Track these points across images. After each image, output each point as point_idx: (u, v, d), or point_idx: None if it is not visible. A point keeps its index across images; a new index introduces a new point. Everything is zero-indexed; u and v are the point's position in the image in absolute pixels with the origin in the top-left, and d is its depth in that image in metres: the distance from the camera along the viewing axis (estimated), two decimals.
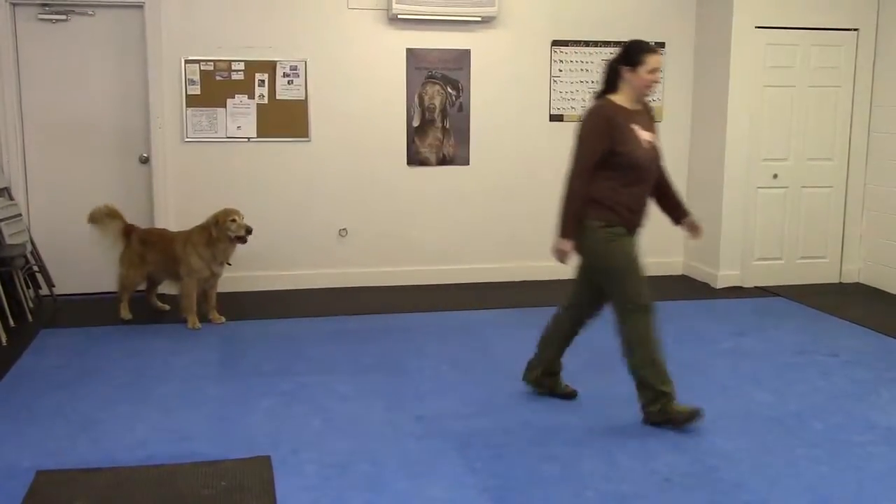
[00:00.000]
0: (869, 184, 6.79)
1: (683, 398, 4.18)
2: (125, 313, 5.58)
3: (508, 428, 3.81)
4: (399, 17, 6.28)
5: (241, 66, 6.20)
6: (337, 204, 6.52)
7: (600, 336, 5.29)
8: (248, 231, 5.39)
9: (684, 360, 4.80)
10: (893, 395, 4.29)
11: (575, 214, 3.75)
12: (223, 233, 5.34)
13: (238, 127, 6.27)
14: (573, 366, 4.70)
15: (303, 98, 6.33)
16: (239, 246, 5.49)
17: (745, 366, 4.74)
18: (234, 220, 5.37)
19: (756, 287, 6.71)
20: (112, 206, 5.64)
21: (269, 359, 4.81)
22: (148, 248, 5.53)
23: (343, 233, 6.59)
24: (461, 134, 6.65)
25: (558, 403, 4.13)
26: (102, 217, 5.58)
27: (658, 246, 7.15)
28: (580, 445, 3.63)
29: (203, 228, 5.42)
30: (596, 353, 4.96)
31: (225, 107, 6.22)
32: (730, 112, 6.49)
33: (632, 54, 3.73)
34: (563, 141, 6.82)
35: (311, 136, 6.41)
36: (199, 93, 6.17)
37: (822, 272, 6.91)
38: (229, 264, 5.55)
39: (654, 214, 7.60)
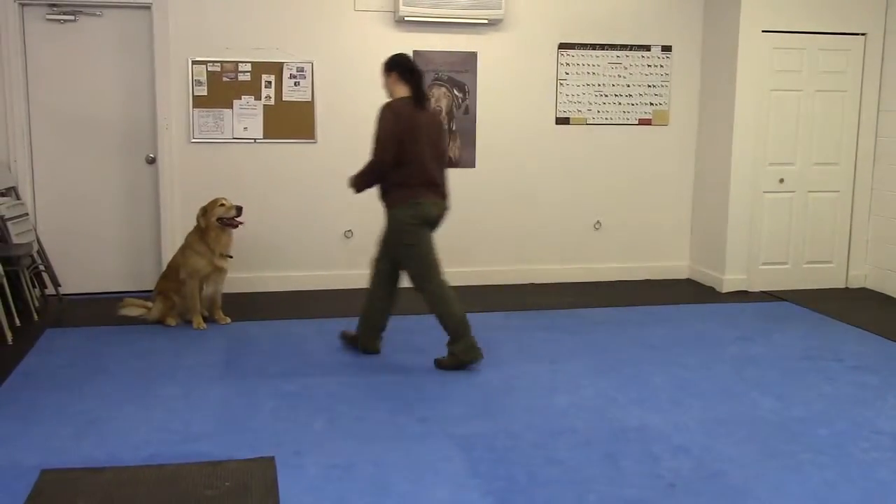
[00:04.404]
0: (876, 188, 6.77)
1: (688, 402, 4.18)
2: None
3: (512, 431, 3.81)
4: (406, 19, 6.28)
5: (248, 67, 6.21)
6: (343, 205, 6.52)
7: (604, 340, 5.29)
8: (239, 211, 5.41)
9: (690, 364, 4.79)
10: None
11: None
12: (212, 220, 5.37)
13: (244, 128, 6.28)
14: (576, 369, 4.70)
15: (309, 99, 6.34)
16: (243, 244, 5.49)
17: (750, 370, 4.72)
18: (221, 205, 5.40)
19: (762, 292, 6.70)
20: (136, 302, 5.61)
21: (274, 360, 4.81)
22: (172, 283, 5.49)
23: (349, 234, 6.59)
24: (467, 136, 6.65)
25: (561, 408, 4.12)
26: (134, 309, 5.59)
27: (664, 250, 7.16)
28: (583, 449, 3.62)
29: (195, 228, 5.46)
30: (599, 356, 4.95)
31: (231, 108, 6.24)
32: (736, 116, 6.48)
33: None
34: (570, 144, 6.88)
35: (318, 137, 6.42)
36: (205, 94, 6.18)
37: (829, 277, 6.89)
38: (230, 257, 5.54)
39: (666, 219, 7.57)
